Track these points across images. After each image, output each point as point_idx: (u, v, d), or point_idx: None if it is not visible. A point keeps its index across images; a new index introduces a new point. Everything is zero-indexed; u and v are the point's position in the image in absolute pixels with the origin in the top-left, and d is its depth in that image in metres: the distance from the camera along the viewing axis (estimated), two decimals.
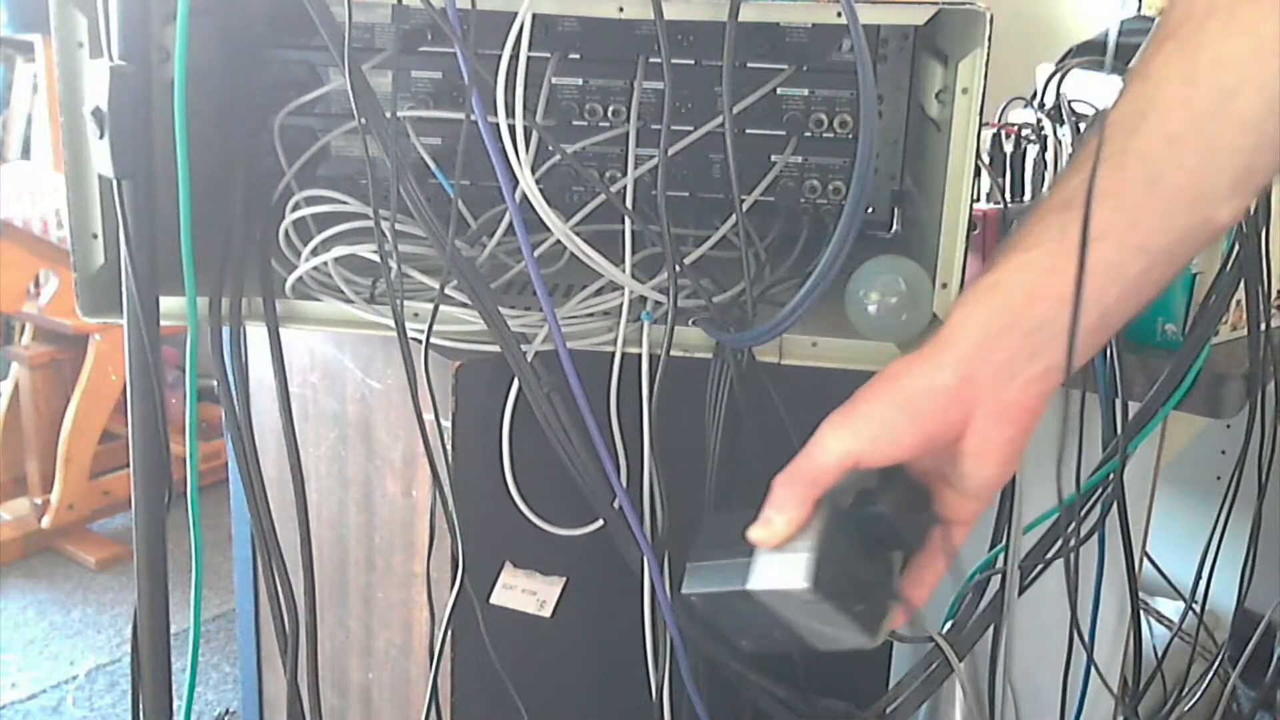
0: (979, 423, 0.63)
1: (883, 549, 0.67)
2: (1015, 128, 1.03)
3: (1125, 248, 0.60)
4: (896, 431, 0.63)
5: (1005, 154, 1.03)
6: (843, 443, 0.63)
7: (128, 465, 0.85)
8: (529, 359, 0.87)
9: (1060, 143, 0.99)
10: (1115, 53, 1.23)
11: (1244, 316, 0.98)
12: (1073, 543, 0.98)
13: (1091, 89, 1.09)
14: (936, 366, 0.62)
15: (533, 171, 0.83)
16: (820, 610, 0.63)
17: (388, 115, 0.87)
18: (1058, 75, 1.08)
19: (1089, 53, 1.11)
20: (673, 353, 0.90)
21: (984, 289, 0.62)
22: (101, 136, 0.77)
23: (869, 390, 0.64)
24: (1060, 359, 0.61)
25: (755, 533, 0.63)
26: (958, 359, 0.62)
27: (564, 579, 1.00)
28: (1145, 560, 1.11)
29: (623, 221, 0.90)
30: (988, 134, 1.03)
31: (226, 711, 1.96)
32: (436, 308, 0.87)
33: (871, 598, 0.65)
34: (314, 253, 0.91)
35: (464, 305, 0.89)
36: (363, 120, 0.83)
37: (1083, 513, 0.98)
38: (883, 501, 0.65)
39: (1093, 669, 1.07)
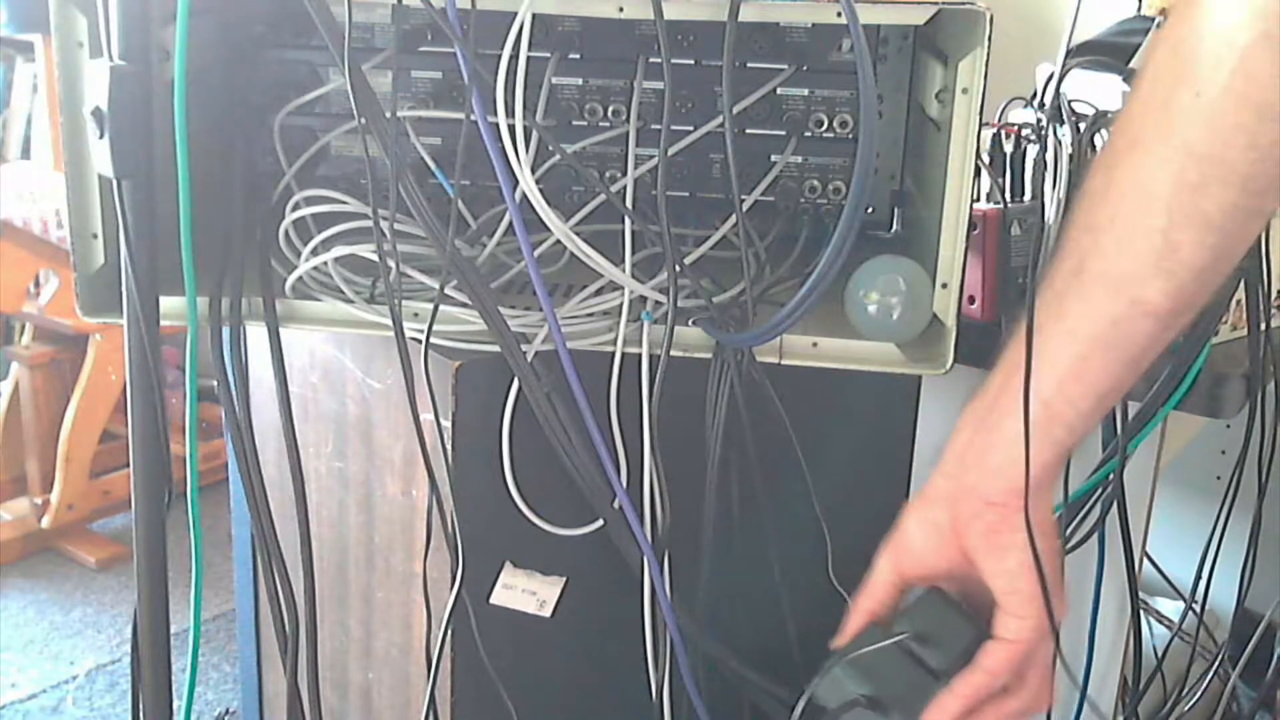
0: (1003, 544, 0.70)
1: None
2: (1015, 128, 1.03)
3: (1055, 334, 0.65)
4: (929, 555, 0.73)
5: (1005, 154, 1.03)
6: (889, 570, 0.74)
7: (128, 465, 0.85)
8: (529, 359, 0.87)
9: (1060, 143, 0.99)
10: (1111, 52, 1.23)
11: (1244, 316, 0.98)
12: (1072, 543, 0.98)
13: (1091, 89, 1.09)
14: (959, 497, 0.71)
15: (533, 171, 0.83)
16: None
17: (388, 115, 0.87)
18: (1057, 75, 1.08)
19: (1089, 53, 1.11)
20: (673, 353, 0.90)
21: (1000, 445, 0.69)
22: (101, 136, 0.77)
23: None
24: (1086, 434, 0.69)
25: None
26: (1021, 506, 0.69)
27: (564, 579, 1.00)
28: (1145, 560, 1.11)
29: (623, 221, 0.90)
30: (988, 134, 1.03)
31: (226, 711, 1.96)
32: (436, 308, 0.87)
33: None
34: (314, 253, 0.91)
35: (464, 305, 0.89)
36: (363, 120, 0.83)
37: (1083, 513, 0.98)
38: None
39: (1092, 669, 1.07)
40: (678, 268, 0.88)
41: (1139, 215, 0.60)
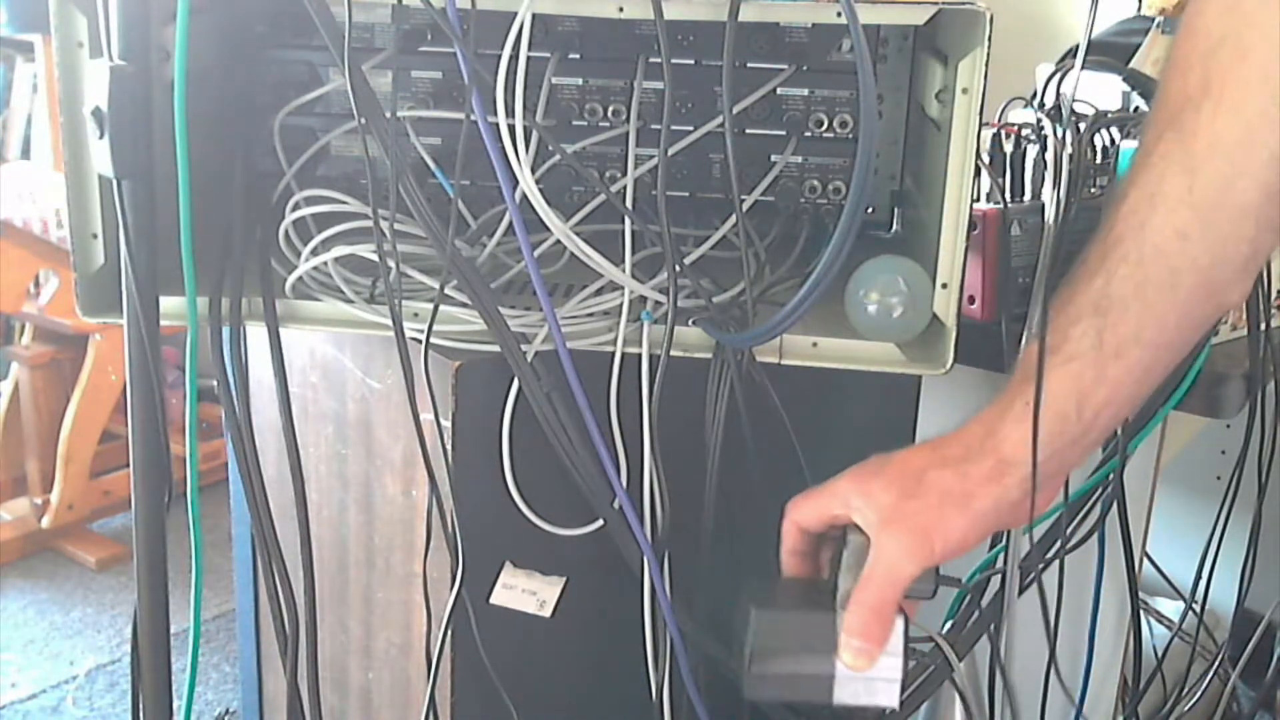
0: (1026, 508, 0.69)
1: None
2: (1015, 128, 1.03)
3: (1156, 347, 0.65)
4: (970, 545, 0.68)
5: (1005, 154, 1.03)
6: (920, 564, 0.68)
7: (128, 465, 0.85)
8: (529, 359, 0.87)
9: (1060, 143, 0.99)
10: (1111, 52, 1.23)
11: (1244, 316, 0.98)
12: (1073, 542, 0.98)
13: (1091, 89, 1.09)
14: (1005, 488, 0.67)
15: (533, 171, 0.83)
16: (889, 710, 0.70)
17: (388, 115, 0.87)
18: (1057, 75, 1.08)
19: (1089, 53, 1.11)
20: (673, 353, 0.90)
21: (1038, 405, 0.67)
22: (101, 136, 0.77)
23: (934, 509, 0.68)
24: (1090, 454, 0.70)
25: (852, 660, 0.68)
26: (1024, 478, 0.67)
27: (564, 579, 1.00)
28: (1145, 560, 1.11)
29: (623, 221, 0.90)
30: (988, 134, 1.03)
31: (226, 711, 1.96)
32: (436, 308, 0.87)
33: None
34: (314, 253, 0.91)
35: (464, 305, 0.89)
36: (363, 120, 0.83)
37: (1083, 513, 0.98)
38: (928, 584, 0.71)
39: (1092, 669, 1.07)
40: (678, 268, 0.88)
41: (1232, 225, 0.61)
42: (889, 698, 0.68)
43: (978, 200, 1.01)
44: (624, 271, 0.88)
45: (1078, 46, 1.06)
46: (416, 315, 0.91)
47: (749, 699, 0.71)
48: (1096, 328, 0.65)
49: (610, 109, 1.01)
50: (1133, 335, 0.64)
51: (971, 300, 0.99)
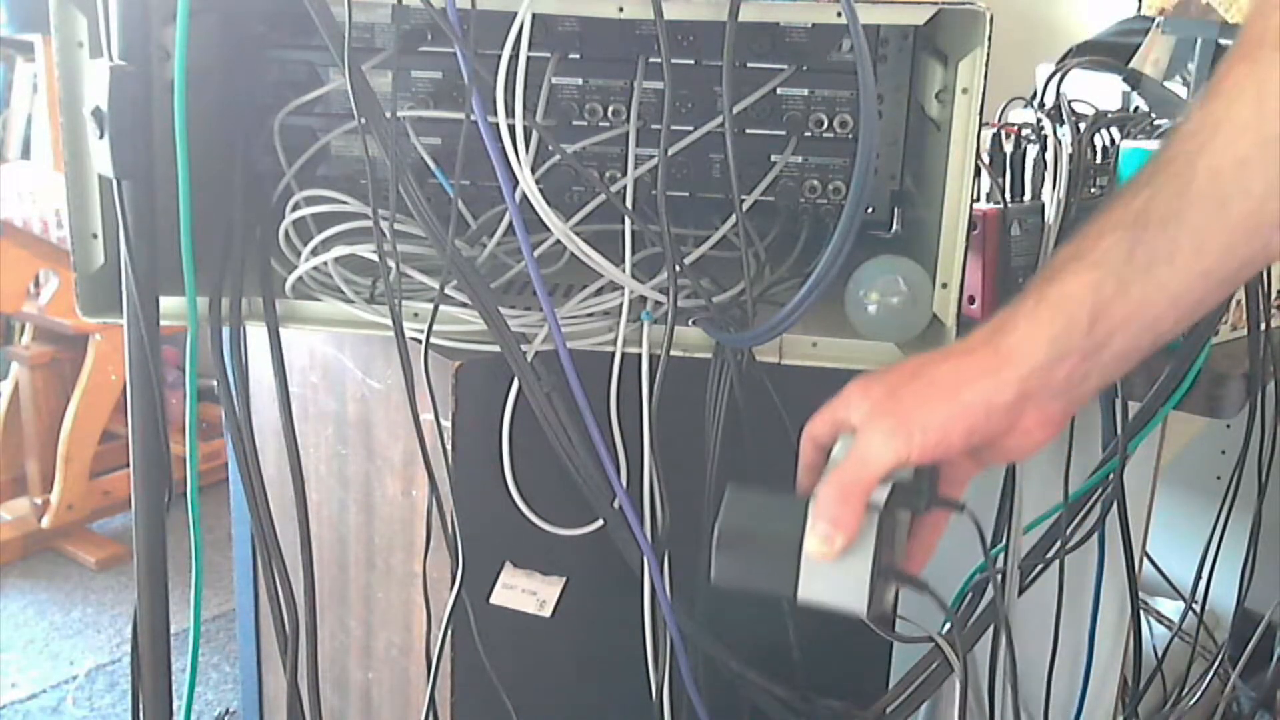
0: (1024, 427, 0.64)
1: (903, 528, 0.68)
2: (1015, 128, 1.03)
3: (1190, 273, 0.61)
4: (951, 441, 0.63)
5: (1005, 154, 1.03)
6: (896, 451, 0.63)
7: (128, 465, 0.85)
8: (529, 359, 0.87)
9: (1060, 143, 0.99)
10: (1111, 52, 1.23)
11: (1244, 316, 0.98)
12: (1073, 542, 0.98)
13: (1091, 89, 1.09)
14: (999, 383, 0.63)
15: (533, 171, 0.83)
16: (857, 613, 0.64)
17: (388, 115, 0.87)
18: (1057, 75, 1.08)
19: (1089, 53, 1.11)
20: (673, 353, 0.90)
21: (1050, 305, 0.63)
22: (101, 136, 0.77)
23: (919, 396, 0.64)
24: (1112, 376, 0.64)
25: (814, 546, 0.63)
26: (1021, 378, 0.63)
27: (564, 579, 1.00)
28: (1145, 560, 1.11)
29: (623, 221, 0.90)
30: (988, 134, 1.03)
31: (226, 711, 1.96)
32: (436, 308, 0.87)
33: (890, 581, 0.66)
34: (314, 253, 0.91)
35: (464, 305, 0.89)
36: (363, 120, 0.83)
37: (1083, 513, 0.98)
38: (919, 498, 0.66)
39: (1092, 669, 1.07)
40: (678, 268, 0.88)
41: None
42: (856, 600, 0.63)
43: (978, 200, 1.01)
44: (624, 271, 0.88)
45: (1075, 47, 1.07)
46: (416, 315, 0.91)
47: (715, 584, 0.66)
48: (1129, 240, 0.61)
49: (610, 109, 1.01)
50: (1166, 254, 0.60)
51: (971, 300, 0.99)
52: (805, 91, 1.01)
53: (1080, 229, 0.64)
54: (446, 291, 0.87)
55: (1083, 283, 0.62)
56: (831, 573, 0.63)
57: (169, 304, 0.84)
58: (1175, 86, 1.37)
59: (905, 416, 0.63)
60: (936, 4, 0.82)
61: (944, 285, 0.88)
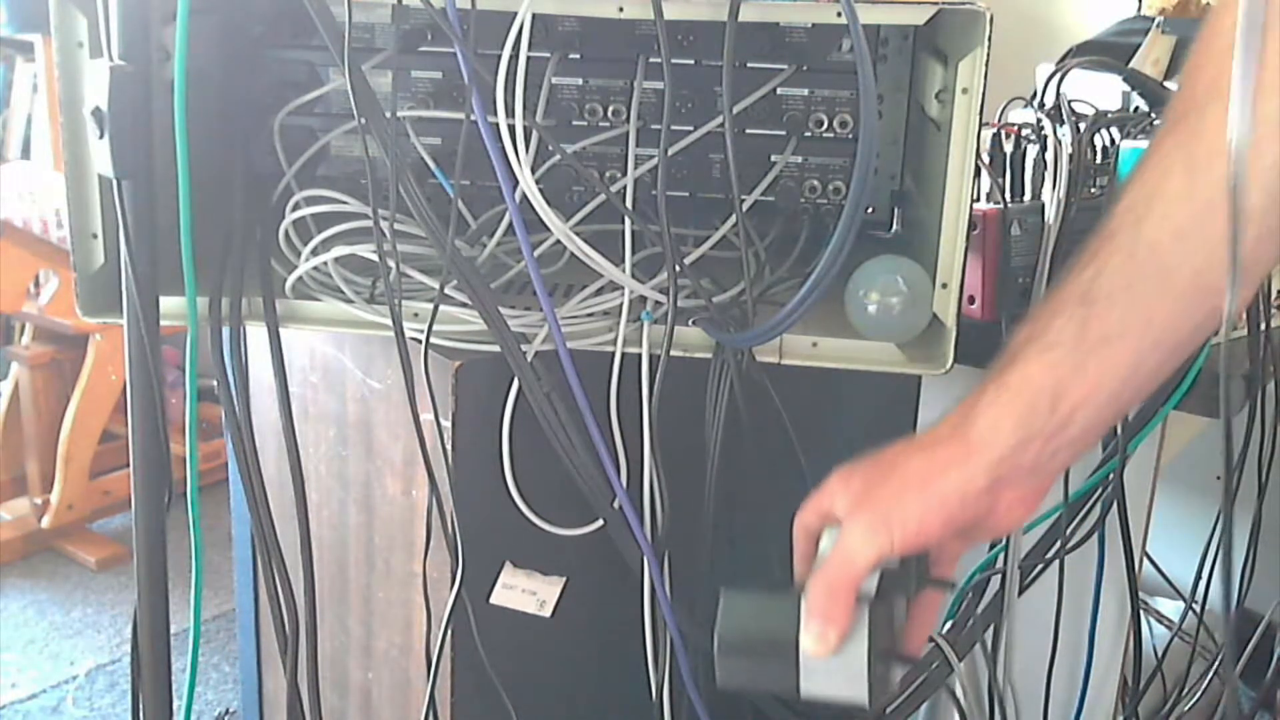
0: (1002, 508, 0.66)
1: (899, 611, 0.70)
2: (1015, 128, 1.03)
3: (1142, 345, 0.62)
4: (930, 531, 0.65)
5: (1005, 154, 1.03)
6: (878, 547, 0.65)
7: (128, 465, 0.85)
8: (529, 359, 0.87)
9: (1060, 143, 0.99)
10: (1111, 52, 1.23)
11: (1244, 316, 0.98)
12: (1073, 542, 0.98)
13: (1091, 89, 1.09)
14: (970, 472, 0.64)
15: (533, 171, 0.83)
16: (859, 703, 0.66)
17: (388, 115, 0.87)
18: (1058, 75, 1.08)
19: (1089, 53, 1.11)
20: (673, 353, 0.90)
21: (1011, 391, 0.64)
22: (101, 136, 0.77)
23: (894, 491, 0.66)
24: (1081, 450, 0.65)
25: (810, 644, 0.65)
26: (990, 465, 0.64)
27: (564, 579, 1.00)
28: (1145, 560, 1.11)
29: (623, 221, 0.90)
30: (988, 134, 1.03)
31: (226, 711, 1.96)
32: (436, 308, 0.87)
33: (889, 663, 0.68)
34: (314, 253, 0.91)
35: (464, 305, 0.89)
36: (363, 120, 0.83)
37: (1083, 513, 0.98)
38: (909, 583, 0.69)
39: (1092, 669, 1.07)
40: (678, 268, 0.88)
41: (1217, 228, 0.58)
42: (857, 691, 0.65)
43: (978, 200, 1.01)
44: (624, 271, 0.88)
45: (1076, 47, 1.07)
46: (416, 315, 0.91)
47: (721, 688, 0.69)
48: (1080, 318, 0.62)
49: (610, 109, 1.01)
50: (1117, 329, 0.62)
51: (971, 300, 0.99)
52: (805, 91, 1.01)
53: (1033, 310, 0.66)
54: (446, 291, 0.87)
55: (1040, 365, 0.63)
56: (830, 667, 0.65)
57: (169, 304, 0.84)
58: (1175, 86, 1.37)
59: (884, 513, 0.65)
60: (936, 4, 0.82)
61: (944, 285, 0.88)
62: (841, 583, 0.65)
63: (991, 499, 0.65)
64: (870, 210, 1.08)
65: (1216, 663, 1.26)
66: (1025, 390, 0.63)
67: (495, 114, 0.81)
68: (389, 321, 0.88)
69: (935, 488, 0.65)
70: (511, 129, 0.81)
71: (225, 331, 0.90)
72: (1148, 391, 0.65)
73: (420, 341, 0.89)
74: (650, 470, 0.91)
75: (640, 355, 0.90)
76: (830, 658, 0.65)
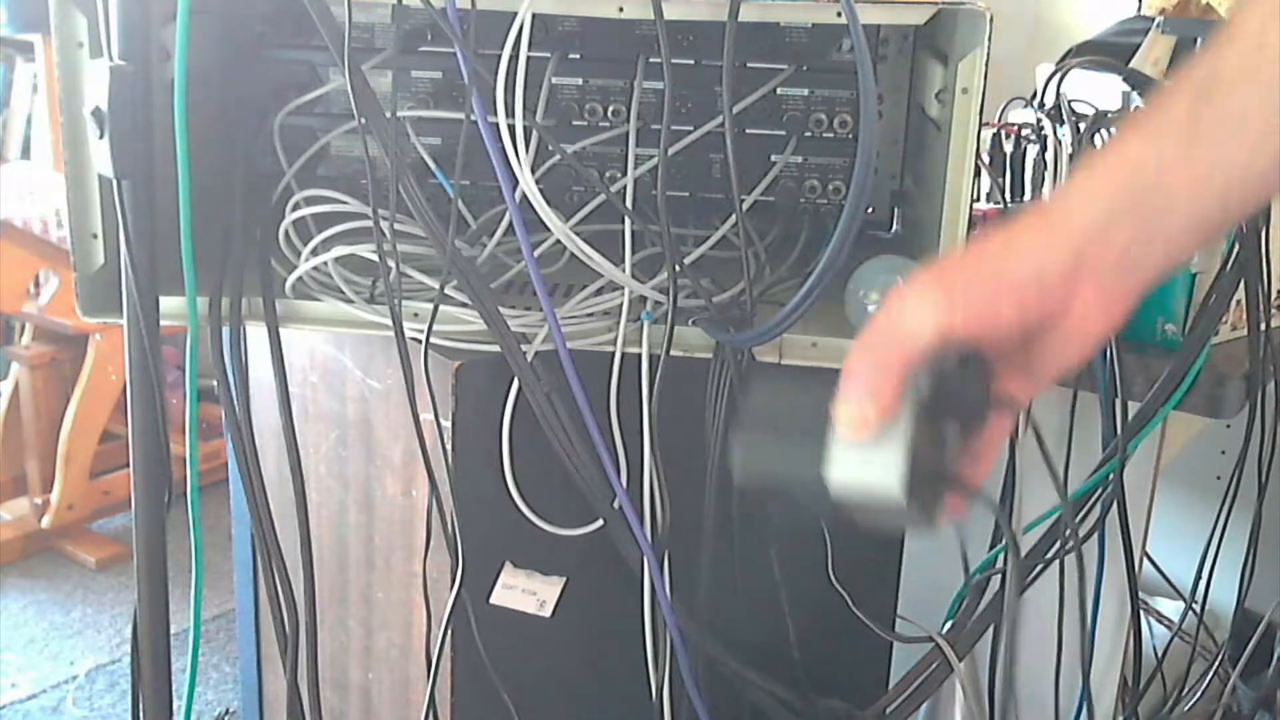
0: (1080, 309, 0.57)
1: (954, 436, 0.60)
2: (1015, 128, 1.03)
3: (1264, 142, 0.53)
4: (1000, 313, 0.56)
5: (1005, 154, 1.03)
6: (938, 319, 0.56)
7: (128, 465, 0.85)
8: (529, 359, 0.87)
9: (1060, 143, 0.99)
10: (1111, 52, 1.23)
11: (1244, 316, 0.98)
12: (1073, 542, 0.98)
13: (1091, 89, 1.09)
14: (1051, 247, 0.56)
15: (533, 171, 0.83)
16: (892, 504, 0.56)
17: (388, 115, 0.87)
18: (1058, 75, 1.08)
19: (1089, 53, 1.11)
20: (673, 353, 0.90)
21: (1106, 167, 0.56)
22: (101, 136, 0.77)
23: (965, 267, 0.57)
24: (1177, 252, 0.56)
25: (845, 418, 0.56)
26: (1075, 242, 0.56)
27: (564, 579, 1.00)
28: (1145, 560, 1.11)
29: (623, 221, 0.90)
30: (988, 134, 1.03)
31: (226, 711, 1.96)
32: (436, 308, 0.87)
33: (939, 487, 0.59)
34: (314, 253, 0.91)
35: (464, 305, 0.89)
36: (363, 120, 0.83)
37: (1083, 513, 0.98)
38: (967, 389, 0.58)
39: (1092, 669, 1.07)
40: (678, 268, 0.88)
41: None
42: (886, 481, 0.55)
43: (978, 200, 1.01)
44: (624, 271, 0.88)
45: (1076, 47, 1.07)
46: (416, 315, 0.91)
47: (739, 479, 0.60)
48: (1193, 105, 0.54)
49: (610, 109, 1.01)
50: (1237, 117, 0.53)
51: None
52: (805, 91, 1.01)
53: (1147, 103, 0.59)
54: (446, 291, 0.87)
55: (1143, 145, 0.55)
56: (864, 455, 0.56)
57: (169, 304, 0.84)
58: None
59: (947, 284, 0.56)
60: (936, 4, 0.82)
61: None
62: (891, 351, 0.56)
63: (1070, 289, 0.56)
64: (870, 210, 1.08)
65: (1216, 663, 1.26)
66: (1123, 165, 0.55)
67: (495, 114, 0.81)
68: (389, 321, 0.88)
69: (1011, 263, 0.56)
70: (511, 129, 0.81)
71: (225, 331, 0.90)
72: (1257, 202, 0.56)
73: (420, 341, 0.89)
74: (650, 470, 0.91)
75: (640, 355, 0.90)
76: (865, 445, 0.55)
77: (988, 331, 0.56)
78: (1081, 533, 0.99)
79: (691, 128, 0.98)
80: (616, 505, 0.89)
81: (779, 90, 1.00)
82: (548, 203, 0.84)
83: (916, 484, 0.56)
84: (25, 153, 2.53)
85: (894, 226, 1.09)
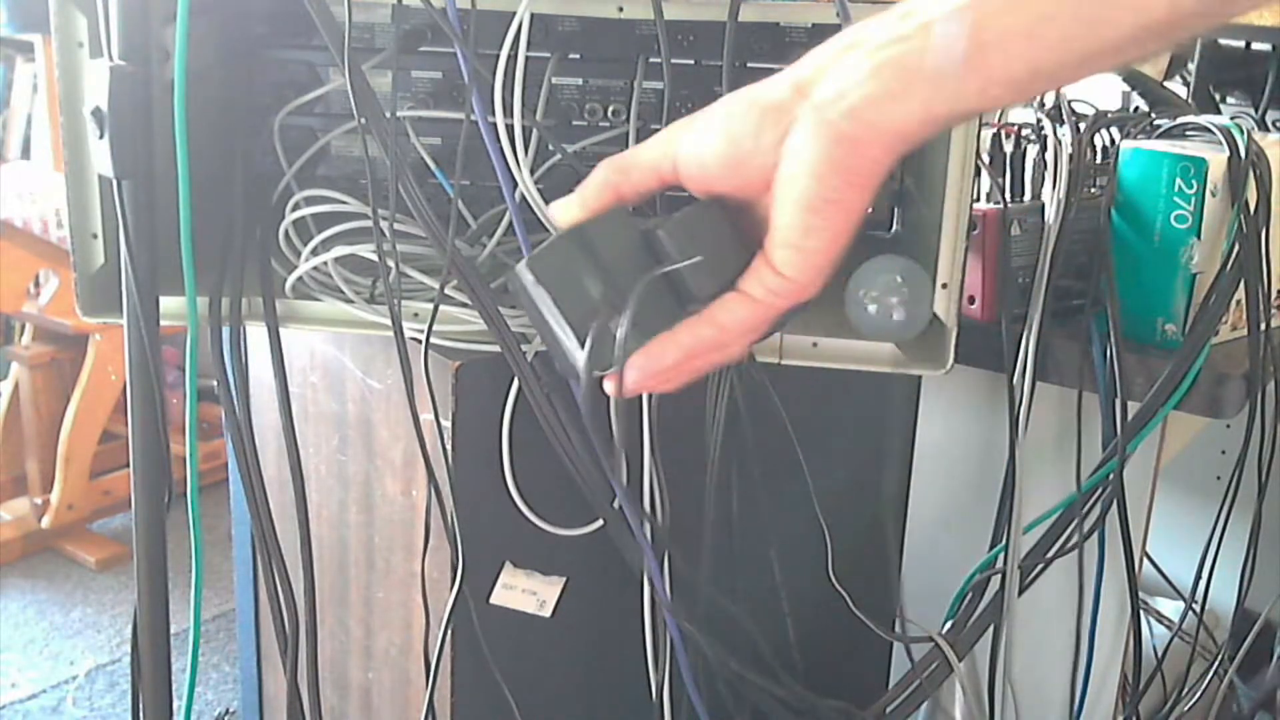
0: (788, 169, 0.54)
1: (669, 301, 0.59)
2: (1015, 128, 1.03)
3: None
4: (707, 142, 0.55)
5: (1005, 154, 1.03)
6: (662, 144, 0.57)
7: (128, 465, 0.85)
8: (529, 359, 0.87)
9: (1060, 143, 0.99)
10: None
11: (1244, 316, 0.98)
12: (1073, 542, 0.98)
13: (1091, 89, 1.09)
14: (775, 80, 0.54)
15: (532, 172, 0.83)
16: (543, 304, 0.56)
17: (388, 115, 0.87)
18: None
19: None
20: None
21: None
22: (101, 136, 0.77)
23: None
24: (943, 108, 0.51)
25: (556, 208, 0.60)
26: (811, 102, 0.52)
27: (564, 579, 1.00)
28: (1145, 560, 1.11)
29: None
30: (988, 134, 1.03)
31: (226, 711, 1.96)
32: (436, 308, 0.87)
33: (593, 321, 0.57)
34: (314, 253, 0.91)
35: (464, 305, 0.89)
36: (363, 120, 0.83)
37: (1083, 513, 0.98)
38: (677, 238, 0.58)
39: (1092, 669, 1.07)
40: None
41: None
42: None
43: (978, 200, 1.01)
44: None
45: None
46: (416, 315, 0.91)
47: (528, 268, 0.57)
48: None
49: (610, 109, 1.01)
50: None
51: (971, 300, 0.99)
52: None
53: None
54: (446, 291, 0.87)
55: None
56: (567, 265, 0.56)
57: (169, 304, 0.84)
58: (1175, 86, 1.37)
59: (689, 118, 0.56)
60: None
61: (944, 285, 0.88)
62: (612, 164, 0.58)
63: (784, 125, 0.53)
64: (870, 210, 1.07)
65: (1216, 663, 1.26)
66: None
67: (495, 114, 0.81)
68: (389, 321, 0.88)
69: (736, 95, 0.56)
70: (511, 129, 0.81)
71: (225, 331, 0.90)
72: (1076, 59, 0.49)
73: (420, 341, 0.89)
74: (650, 470, 0.91)
75: None
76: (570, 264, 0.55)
77: (700, 163, 0.56)
78: (1081, 533, 0.99)
79: None
80: (616, 505, 0.89)
81: None
82: (547, 203, 0.84)
83: (563, 289, 0.55)
84: (25, 153, 2.53)
85: (894, 226, 1.08)
